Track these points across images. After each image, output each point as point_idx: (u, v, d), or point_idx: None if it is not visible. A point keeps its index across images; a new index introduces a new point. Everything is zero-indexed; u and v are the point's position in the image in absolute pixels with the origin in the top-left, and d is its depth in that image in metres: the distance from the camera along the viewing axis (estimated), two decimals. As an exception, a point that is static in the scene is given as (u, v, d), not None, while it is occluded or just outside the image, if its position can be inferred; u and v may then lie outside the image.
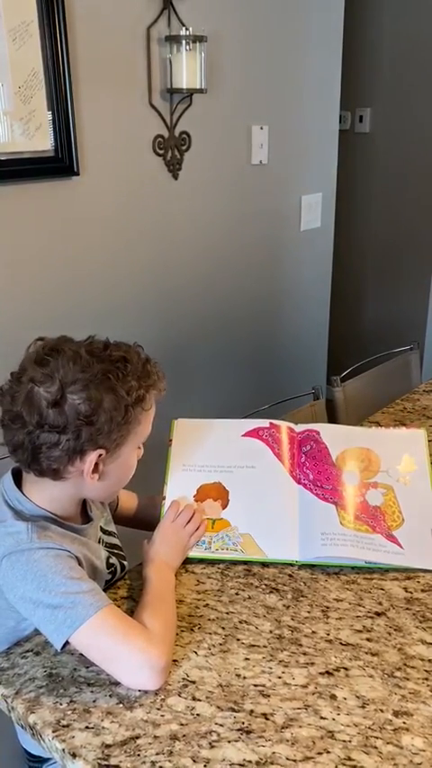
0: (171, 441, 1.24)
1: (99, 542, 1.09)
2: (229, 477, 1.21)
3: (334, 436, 1.27)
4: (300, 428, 1.28)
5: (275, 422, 1.28)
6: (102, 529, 1.12)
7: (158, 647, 0.89)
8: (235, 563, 1.14)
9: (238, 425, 1.28)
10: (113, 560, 1.12)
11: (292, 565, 1.14)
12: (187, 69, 1.78)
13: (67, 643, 0.88)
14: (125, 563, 1.16)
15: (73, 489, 0.99)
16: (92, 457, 0.95)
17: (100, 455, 0.95)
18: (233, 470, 1.22)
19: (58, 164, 1.61)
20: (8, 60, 1.45)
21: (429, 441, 1.55)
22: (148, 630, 0.90)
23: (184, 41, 1.75)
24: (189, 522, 1.15)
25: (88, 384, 0.92)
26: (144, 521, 1.26)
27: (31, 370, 0.93)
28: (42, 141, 1.56)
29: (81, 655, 0.92)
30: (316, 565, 1.13)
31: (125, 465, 1.02)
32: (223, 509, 1.18)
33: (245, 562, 1.14)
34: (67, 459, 0.93)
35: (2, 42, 1.43)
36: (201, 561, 1.15)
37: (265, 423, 1.28)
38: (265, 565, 1.14)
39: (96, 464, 0.96)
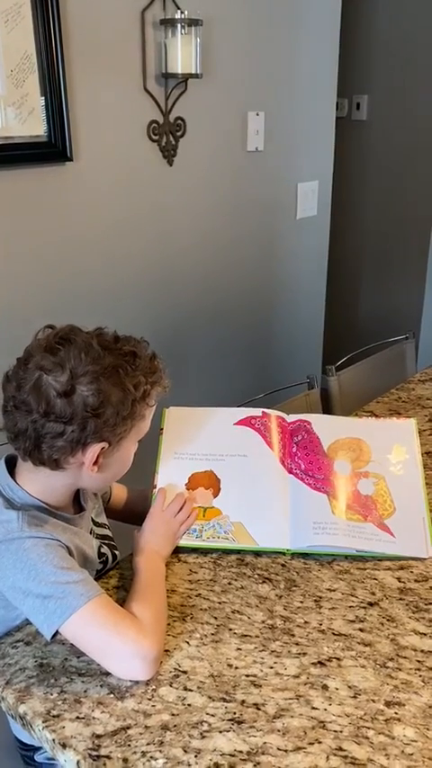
0: (162, 429, 1.24)
1: (90, 533, 1.09)
2: (221, 466, 1.20)
3: (325, 426, 1.26)
4: (291, 418, 1.28)
5: (268, 411, 1.27)
6: (93, 521, 1.11)
7: (149, 637, 0.88)
8: (228, 553, 1.14)
9: (231, 414, 1.27)
10: (105, 550, 1.12)
11: (283, 554, 1.13)
12: (182, 53, 1.76)
13: (57, 633, 0.88)
14: (117, 552, 1.15)
15: (69, 479, 0.98)
16: (94, 449, 0.94)
17: (102, 448, 0.95)
18: (225, 459, 1.21)
19: (52, 149, 1.59)
20: (0, 43, 1.43)
21: (423, 431, 1.55)
22: (139, 620, 0.90)
23: (179, 25, 1.73)
24: (179, 511, 1.14)
25: (98, 377, 0.91)
26: (134, 513, 1.24)
27: (39, 357, 0.92)
28: (35, 126, 1.55)
29: (72, 644, 0.92)
30: (309, 554, 1.13)
31: (124, 458, 1.02)
32: (215, 497, 1.17)
33: (237, 552, 1.14)
34: (70, 450, 0.93)
35: (-7, 24, 1.41)
36: (193, 550, 1.14)
37: (257, 412, 1.27)
38: (257, 554, 1.14)
39: (97, 456, 0.95)
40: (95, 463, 0.96)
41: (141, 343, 1.01)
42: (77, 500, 1.08)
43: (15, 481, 0.98)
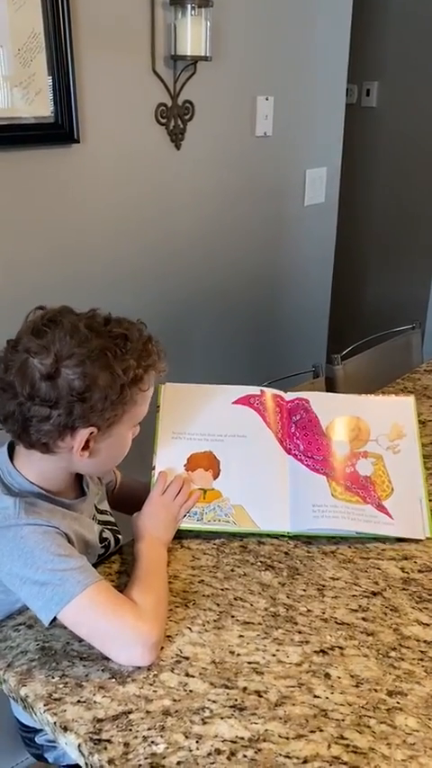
0: (159, 407, 1.22)
1: (92, 519, 1.08)
2: (220, 447, 1.19)
3: (324, 405, 1.25)
4: (289, 396, 1.26)
5: (266, 389, 1.26)
6: (95, 507, 1.11)
7: (149, 623, 0.88)
8: (231, 539, 1.14)
9: (229, 392, 1.25)
10: (107, 534, 1.11)
11: (284, 536, 1.13)
12: (192, 35, 1.73)
13: (55, 619, 0.87)
14: (119, 537, 1.14)
15: (62, 463, 0.97)
16: (83, 434, 0.93)
17: (91, 433, 0.93)
18: (224, 439, 1.20)
19: (58, 130, 1.57)
20: (7, 21, 1.41)
21: (429, 421, 1.54)
22: (139, 606, 0.89)
23: (189, 6, 1.70)
24: (178, 494, 1.13)
25: (84, 360, 0.89)
26: (133, 501, 1.22)
27: (26, 339, 0.91)
28: (42, 107, 1.53)
29: (73, 629, 0.92)
30: (312, 541, 1.13)
31: (118, 443, 1.00)
32: (214, 479, 1.17)
33: (240, 538, 1.14)
34: (58, 434, 0.92)
35: (0, 2, 1.39)
36: (197, 536, 1.14)
37: (255, 390, 1.25)
38: (260, 542, 1.13)
39: (87, 441, 0.94)
40: (86, 448, 0.94)
41: (136, 325, 0.98)
42: (80, 485, 1.07)
43: (15, 466, 0.98)
